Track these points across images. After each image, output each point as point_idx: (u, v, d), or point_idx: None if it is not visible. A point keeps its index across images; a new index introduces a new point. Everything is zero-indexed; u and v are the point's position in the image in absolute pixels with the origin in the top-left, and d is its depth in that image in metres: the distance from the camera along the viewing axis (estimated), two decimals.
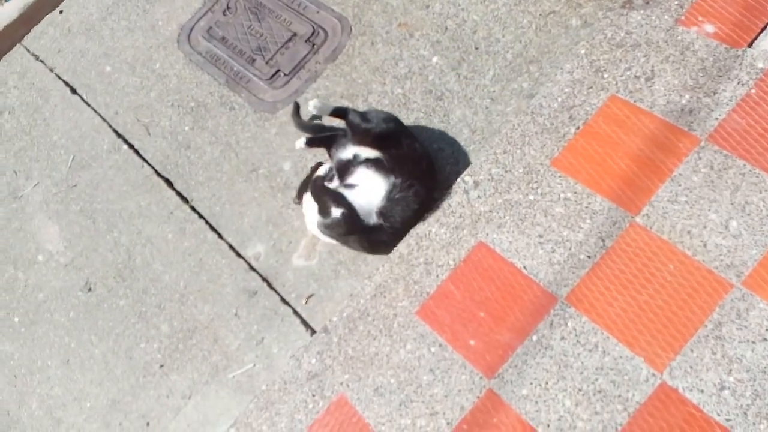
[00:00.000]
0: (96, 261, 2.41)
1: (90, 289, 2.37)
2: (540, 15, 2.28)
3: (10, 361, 2.35)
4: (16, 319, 2.42)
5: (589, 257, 1.70)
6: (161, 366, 2.16)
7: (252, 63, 2.60)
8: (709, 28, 1.89)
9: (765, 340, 1.48)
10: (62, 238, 2.51)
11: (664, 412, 1.48)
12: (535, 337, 1.65)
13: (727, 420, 1.44)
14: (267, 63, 2.59)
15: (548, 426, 1.55)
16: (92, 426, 2.15)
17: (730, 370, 1.48)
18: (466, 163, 2.12)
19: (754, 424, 1.42)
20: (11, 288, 2.49)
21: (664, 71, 1.87)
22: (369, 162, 1.93)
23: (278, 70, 2.55)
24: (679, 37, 1.90)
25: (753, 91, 1.76)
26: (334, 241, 2.02)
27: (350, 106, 2.35)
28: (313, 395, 1.78)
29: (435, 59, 2.35)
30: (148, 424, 2.09)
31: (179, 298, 2.24)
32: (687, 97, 1.81)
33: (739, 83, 1.78)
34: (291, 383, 1.82)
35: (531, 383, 1.60)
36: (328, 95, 2.42)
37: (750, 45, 1.83)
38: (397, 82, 2.34)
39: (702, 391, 1.48)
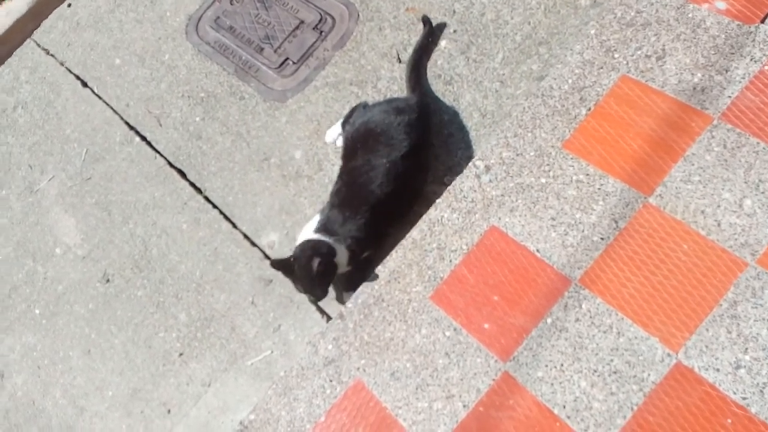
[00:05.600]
0: (113, 252, 2.45)
1: (108, 281, 2.40)
2: None
3: (33, 353, 2.40)
4: (37, 312, 2.47)
5: (602, 239, 1.70)
6: (180, 354, 2.19)
7: (260, 52, 2.61)
8: (721, 4, 1.86)
9: None
10: (79, 231, 2.54)
11: (680, 392, 1.49)
12: (549, 320, 1.66)
13: (744, 398, 1.44)
14: (275, 51, 2.59)
15: (564, 407, 1.56)
16: (115, 414, 2.19)
17: (746, 349, 1.48)
18: (477, 148, 2.12)
19: None
20: (31, 281, 2.53)
21: (676, 50, 1.85)
22: None
23: (287, 59, 2.55)
24: (690, 15, 1.88)
25: (766, 68, 1.74)
26: None
27: (359, 92, 2.36)
28: (331, 380, 1.80)
29: (443, 43, 2.34)
30: (169, 411, 2.13)
31: (196, 288, 2.27)
32: (699, 75, 1.79)
33: (752, 60, 1.76)
34: (308, 369, 1.84)
35: (546, 365, 1.61)
36: (338, 82, 2.42)
37: (763, 21, 1.80)
38: (405, 68, 2.33)
39: (718, 370, 1.49)
